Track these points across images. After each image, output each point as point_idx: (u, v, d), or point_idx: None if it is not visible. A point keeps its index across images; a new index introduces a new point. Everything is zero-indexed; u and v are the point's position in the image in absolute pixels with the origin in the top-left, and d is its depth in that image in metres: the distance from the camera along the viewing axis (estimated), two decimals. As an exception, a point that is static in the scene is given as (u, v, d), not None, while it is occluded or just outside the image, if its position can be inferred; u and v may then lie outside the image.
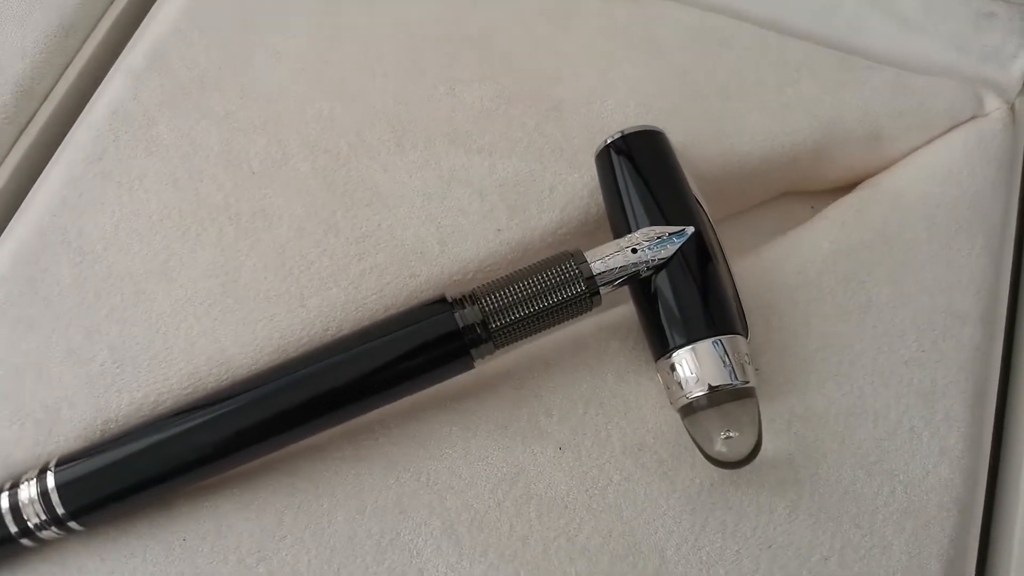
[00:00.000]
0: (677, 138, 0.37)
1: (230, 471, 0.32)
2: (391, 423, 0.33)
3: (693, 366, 0.31)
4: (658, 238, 0.32)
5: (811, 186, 0.42)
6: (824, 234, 0.37)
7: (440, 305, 0.31)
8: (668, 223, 0.33)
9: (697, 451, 0.32)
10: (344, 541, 0.31)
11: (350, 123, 0.38)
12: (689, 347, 0.31)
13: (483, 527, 0.32)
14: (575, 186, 0.37)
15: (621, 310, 0.36)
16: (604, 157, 0.35)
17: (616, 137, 0.35)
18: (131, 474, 0.31)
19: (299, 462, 0.33)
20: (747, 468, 0.33)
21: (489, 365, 0.35)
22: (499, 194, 0.37)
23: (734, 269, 0.35)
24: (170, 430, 0.31)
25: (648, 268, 0.32)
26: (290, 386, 0.31)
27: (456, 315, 0.31)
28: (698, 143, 0.38)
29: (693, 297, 0.32)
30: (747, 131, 0.39)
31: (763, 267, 0.36)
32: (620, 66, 0.41)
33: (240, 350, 0.34)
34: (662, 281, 0.32)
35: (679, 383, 0.31)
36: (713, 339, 0.31)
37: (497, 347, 0.32)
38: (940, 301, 0.36)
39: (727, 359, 0.31)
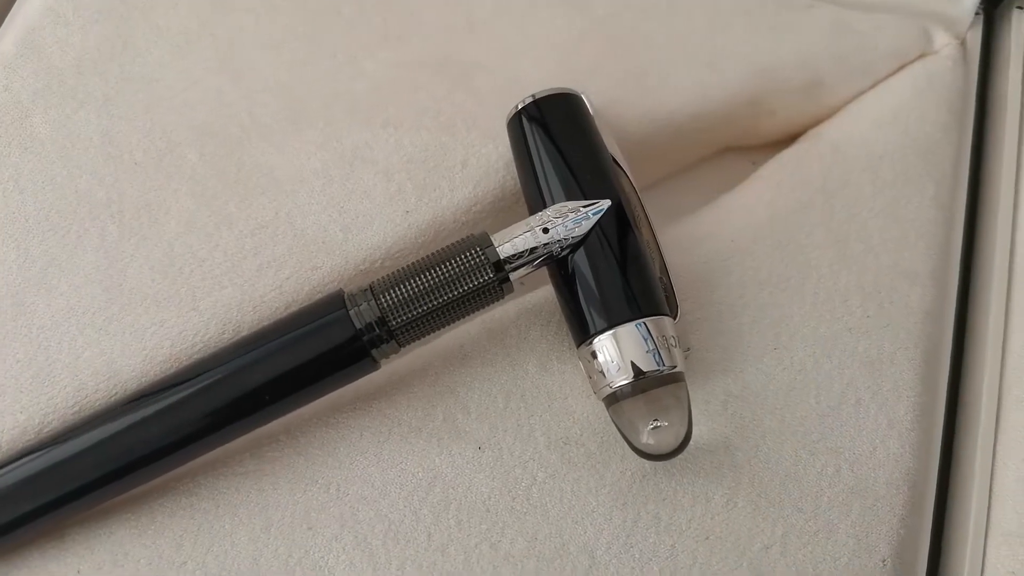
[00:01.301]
0: (600, 98, 0.34)
1: (124, 495, 0.29)
2: (297, 431, 0.31)
3: (615, 353, 0.28)
4: (572, 214, 0.29)
5: (752, 141, 0.39)
6: (759, 197, 0.34)
7: (335, 304, 0.29)
8: (584, 196, 0.30)
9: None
10: (249, 563, 0.29)
11: (241, 102, 0.35)
12: (610, 332, 0.28)
13: (399, 538, 0.29)
14: (490, 158, 0.34)
15: (543, 292, 0.33)
16: (515, 125, 0.32)
17: (527, 102, 0.32)
18: (15, 504, 0.28)
19: (199, 479, 0.30)
20: (682, 456, 0.30)
21: (400, 359, 0.32)
22: (407, 172, 0.34)
23: (663, 240, 0.32)
24: (54, 454, 0.29)
25: (562, 248, 0.29)
26: (181, 401, 0.28)
27: (352, 314, 0.28)
28: (623, 102, 0.35)
29: (613, 277, 0.29)
30: (676, 86, 0.36)
31: (694, 237, 0.34)
32: (538, 19, 0.37)
33: (128, 361, 0.31)
34: (580, 261, 0.29)
35: (601, 371, 0.29)
36: (636, 322, 0.28)
37: (401, 345, 0.29)
38: (887, 260, 0.34)
39: (652, 343, 0.28)
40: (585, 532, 0.30)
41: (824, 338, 0.32)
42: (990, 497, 0.32)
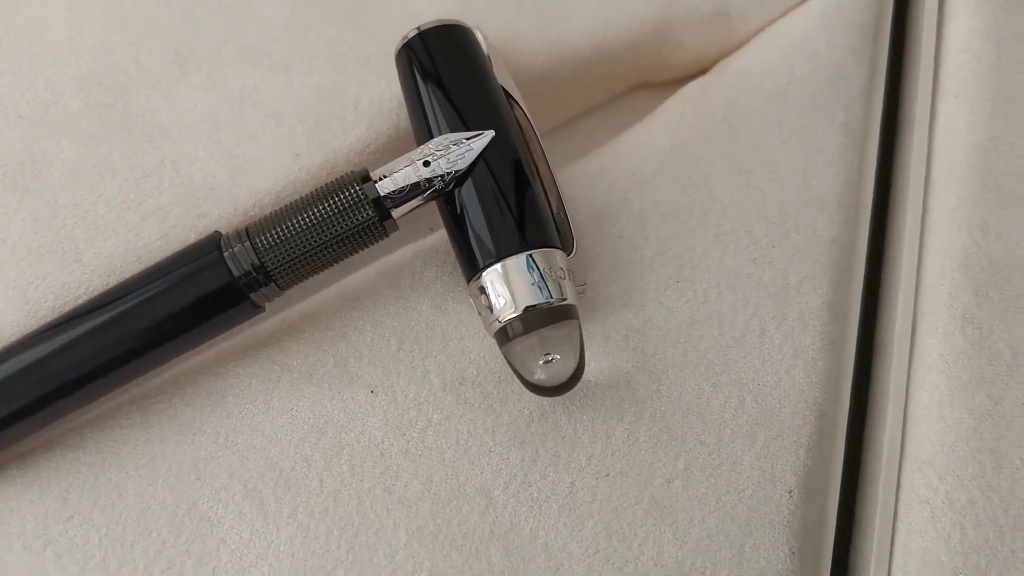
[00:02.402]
0: (499, 33, 0.33)
1: (4, 450, 0.29)
2: (184, 382, 0.30)
3: (502, 286, 0.27)
4: (454, 146, 0.28)
5: (662, 76, 0.38)
6: (662, 129, 0.33)
7: (210, 247, 0.28)
8: (469, 128, 0.29)
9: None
10: (136, 515, 0.28)
11: (127, 50, 0.34)
12: (498, 265, 0.28)
13: (290, 486, 0.29)
14: (383, 97, 0.33)
15: (440, 234, 0.32)
16: (402, 58, 0.31)
17: (412, 35, 0.31)
18: None
19: (85, 433, 0.29)
20: (582, 392, 0.30)
21: (290, 306, 0.31)
22: (297, 115, 0.33)
23: (564, 177, 0.31)
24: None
25: (445, 181, 0.28)
26: (54, 352, 0.27)
27: (227, 256, 0.27)
28: (523, 36, 0.34)
29: (500, 210, 0.28)
30: (577, 17, 0.35)
31: (595, 172, 0.33)
32: (437, -43, 0.36)
33: (12, 316, 0.30)
34: (467, 194, 0.28)
35: (489, 307, 0.28)
36: (523, 254, 0.28)
37: (282, 288, 0.28)
38: (793, 189, 0.33)
39: (539, 275, 0.27)
40: (482, 473, 0.29)
41: (728, 269, 0.32)
42: (904, 426, 0.32)
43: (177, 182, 0.32)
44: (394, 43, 0.33)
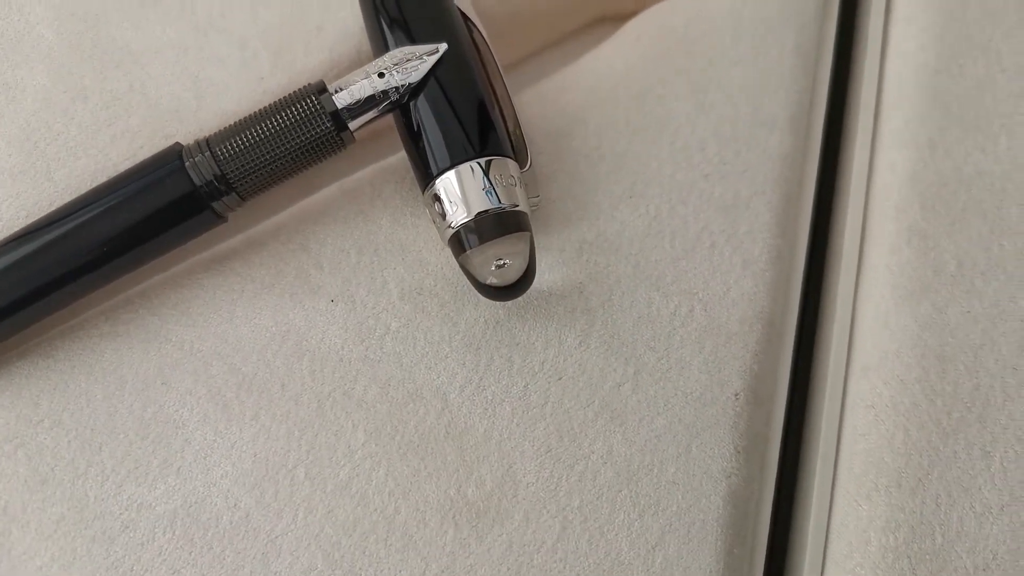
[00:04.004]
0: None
1: (-20, 359, 0.30)
2: (152, 293, 0.31)
3: (455, 192, 0.28)
4: (408, 59, 0.29)
5: (624, 7, 0.38)
6: (619, 50, 0.34)
7: (171, 157, 0.29)
8: (423, 43, 0.30)
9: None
10: (104, 419, 0.29)
11: (97, -20, 0.35)
12: (450, 173, 0.28)
13: (252, 390, 0.30)
14: (346, 22, 0.34)
15: (400, 155, 0.33)
16: (361, -17, 0.32)
17: (370, -41, 0.32)
18: None
19: (56, 342, 0.31)
20: (535, 302, 0.31)
21: (255, 223, 0.32)
22: (261, 39, 0.34)
23: (520, 99, 0.32)
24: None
25: (400, 93, 0.29)
26: (22, 260, 0.28)
27: (188, 165, 0.28)
28: (482, -36, 0.35)
29: (452, 120, 0.29)
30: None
31: (551, 92, 0.34)
32: None
33: (-15, 234, 0.31)
34: (421, 106, 0.29)
35: (443, 214, 0.29)
36: (475, 161, 0.28)
37: (244, 198, 0.29)
38: (745, 108, 0.34)
39: (488, 182, 0.28)
40: (438, 377, 0.30)
41: (680, 185, 0.32)
42: (851, 334, 0.33)
43: (145, 105, 0.33)
44: (357, -28, 0.34)
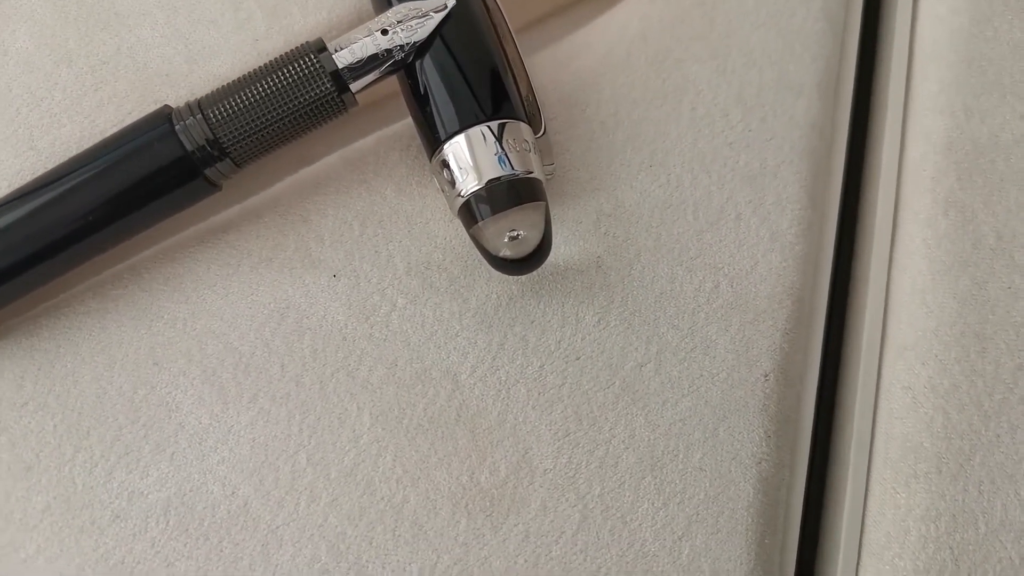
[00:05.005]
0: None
1: (-42, 339, 0.28)
2: (142, 269, 0.29)
3: (465, 158, 0.26)
4: (413, 16, 0.27)
5: (639, -30, 0.36)
6: (634, 11, 0.32)
7: (159, 120, 0.27)
8: (429, 0, 0.28)
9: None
10: (92, 401, 0.28)
11: (83, -61, 0.33)
12: (459, 137, 0.27)
13: (250, 370, 0.28)
14: (347, -18, 0.32)
15: (406, 122, 0.31)
16: (364, -61, 0.30)
17: (373, -86, 0.30)
18: None
19: (40, 320, 0.29)
20: (551, 277, 0.29)
21: (251, 195, 0.30)
22: (257, 0, 0.32)
23: (533, 62, 0.30)
24: None
25: (404, 52, 0.27)
26: (6, 229, 0.26)
27: (178, 129, 0.26)
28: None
29: (461, 82, 0.27)
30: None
31: (565, 57, 0.32)
32: None
33: (-36, 205, 0.29)
34: (427, 66, 0.27)
35: (452, 182, 0.27)
36: (486, 124, 0.27)
37: (239, 164, 0.27)
38: (770, 74, 0.32)
39: (500, 147, 0.26)
40: (448, 357, 0.28)
41: (703, 153, 0.31)
42: (885, 311, 0.31)
43: (133, 68, 0.31)
44: (359, -69, 0.32)
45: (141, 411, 0.27)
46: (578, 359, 0.28)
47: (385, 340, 0.28)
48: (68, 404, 0.28)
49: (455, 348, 0.28)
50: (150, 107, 0.30)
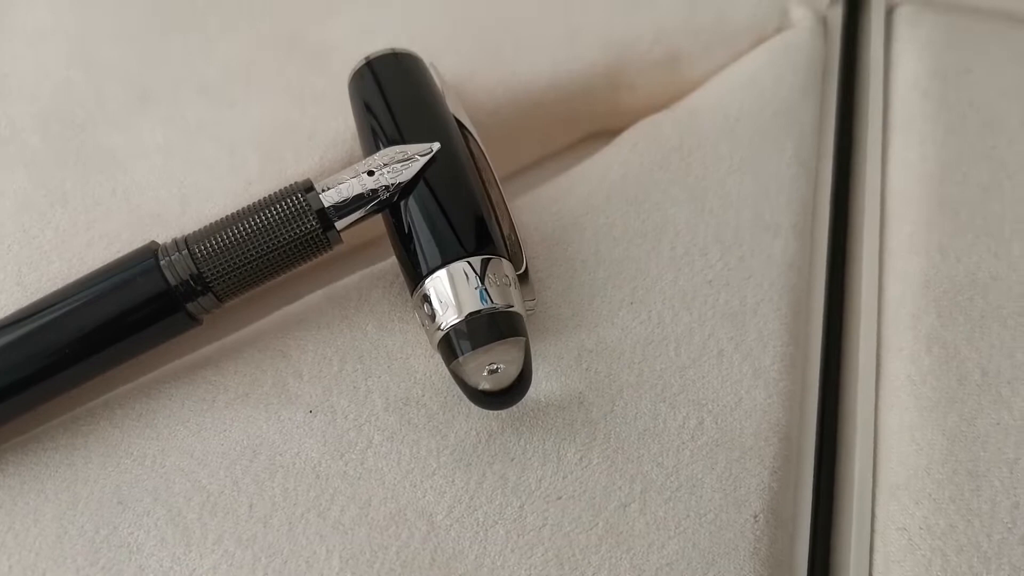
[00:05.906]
0: (454, 71, 0.34)
1: (-80, 476, 0.27)
2: (115, 404, 0.29)
3: (446, 292, 0.27)
4: (399, 159, 0.28)
5: (617, 121, 0.38)
6: (614, 158, 0.34)
7: (145, 255, 0.27)
8: (414, 142, 0.29)
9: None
10: (52, 541, 0.26)
11: (89, 90, 0.35)
12: (441, 270, 0.27)
13: (216, 511, 0.27)
14: (338, 131, 0.33)
15: (390, 261, 0.32)
16: (354, 85, 0.32)
17: (362, 64, 0.32)
18: None
19: (7, 456, 0.28)
20: (531, 413, 0.29)
21: (234, 330, 0.30)
22: (252, 146, 0.33)
23: (515, 205, 0.31)
24: None
25: (389, 192, 0.28)
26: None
27: (163, 264, 0.27)
28: (477, 74, 0.35)
29: (443, 220, 0.28)
30: (530, 59, 0.36)
31: (547, 199, 0.33)
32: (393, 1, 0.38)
33: (-55, 339, 0.29)
34: (412, 206, 0.28)
35: (432, 316, 0.27)
36: (466, 259, 0.27)
37: (222, 300, 0.28)
38: (747, 214, 0.33)
39: (480, 281, 0.27)
40: (424, 496, 0.27)
41: (683, 291, 0.31)
42: (875, 450, 0.30)
43: (126, 209, 0.32)
44: (350, 82, 0.34)
45: (101, 552, 0.26)
46: (559, 498, 0.27)
47: (359, 478, 0.27)
48: (26, 544, 0.26)
49: (431, 487, 0.27)
50: (140, 245, 0.31)
